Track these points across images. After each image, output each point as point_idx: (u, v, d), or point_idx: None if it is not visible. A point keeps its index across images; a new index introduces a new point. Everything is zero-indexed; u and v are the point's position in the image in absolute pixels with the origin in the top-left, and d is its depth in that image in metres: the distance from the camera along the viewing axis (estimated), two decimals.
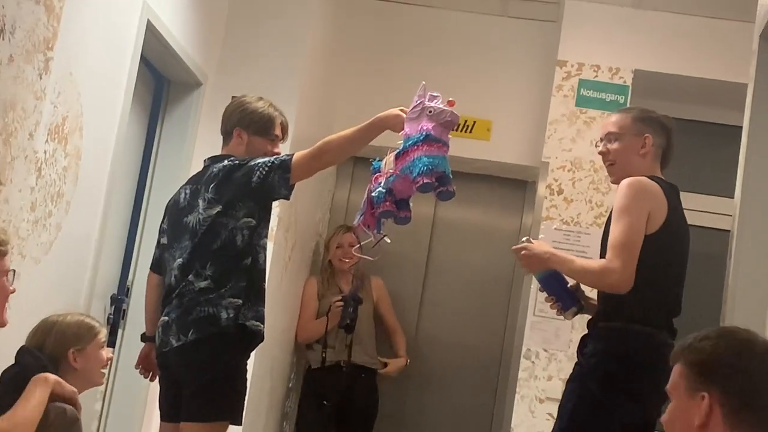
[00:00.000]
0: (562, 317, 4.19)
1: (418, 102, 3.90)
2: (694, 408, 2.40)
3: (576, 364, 4.07)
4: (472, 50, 6.67)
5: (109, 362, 3.85)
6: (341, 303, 6.00)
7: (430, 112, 3.86)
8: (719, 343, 2.42)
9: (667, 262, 3.96)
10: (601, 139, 4.17)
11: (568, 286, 4.10)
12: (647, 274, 3.84)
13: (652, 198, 3.91)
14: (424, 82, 3.95)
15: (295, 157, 4.11)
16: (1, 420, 3.25)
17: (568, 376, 4.13)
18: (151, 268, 4.46)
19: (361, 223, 4.03)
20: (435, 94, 3.92)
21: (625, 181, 3.94)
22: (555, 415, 5.75)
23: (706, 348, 2.43)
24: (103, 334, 3.78)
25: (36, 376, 3.40)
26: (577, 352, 4.09)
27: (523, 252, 4.04)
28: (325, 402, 6.02)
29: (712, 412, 2.37)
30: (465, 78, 6.55)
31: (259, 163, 4.14)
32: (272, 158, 4.16)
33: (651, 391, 3.84)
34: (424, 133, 3.82)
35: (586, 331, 4.10)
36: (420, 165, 3.78)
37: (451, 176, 3.87)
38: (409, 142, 3.85)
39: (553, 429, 4.06)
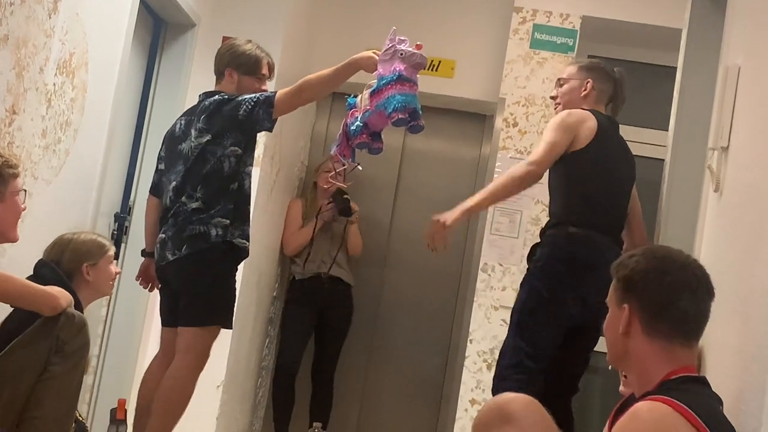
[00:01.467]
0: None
1: (390, 45, 3.90)
2: (619, 317, 2.44)
3: (527, 270, 4.11)
4: None
5: (117, 276, 3.88)
6: (330, 202, 6.06)
7: (402, 54, 3.87)
8: (640, 260, 2.46)
9: (597, 174, 4.05)
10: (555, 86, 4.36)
11: None
12: (581, 183, 4.02)
13: (578, 122, 4.06)
14: (394, 27, 3.94)
15: (278, 94, 4.12)
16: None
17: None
18: (150, 191, 4.47)
19: (337, 153, 4.05)
20: (403, 38, 3.91)
21: (559, 113, 4.16)
22: (508, 321, 5.84)
23: (630, 264, 2.47)
24: (113, 250, 3.85)
25: (62, 292, 3.37)
26: (527, 259, 4.14)
27: (440, 222, 4.01)
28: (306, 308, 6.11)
29: (631, 321, 2.41)
30: (432, 22, 6.51)
31: (246, 98, 4.15)
32: (258, 94, 4.18)
33: (592, 288, 3.86)
34: (396, 73, 3.83)
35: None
36: (394, 102, 3.79)
37: (420, 112, 3.88)
38: (383, 81, 3.85)
39: (508, 330, 4.11)
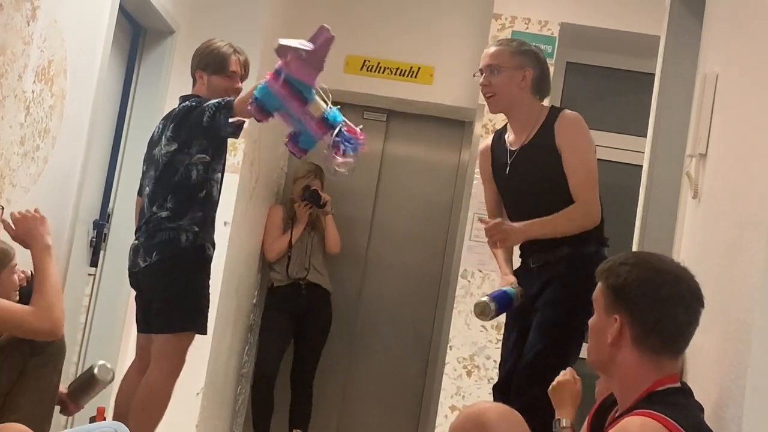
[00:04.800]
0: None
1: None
2: (608, 326, 2.41)
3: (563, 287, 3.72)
4: (420, 4, 6.63)
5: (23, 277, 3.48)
6: (304, 202, 6.12)
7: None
8: (633, 271, 2.41)
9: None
10: (482, 71, 3.92)
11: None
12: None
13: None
14: (324, 25, 3.59)
15: (237, 99, 4.10)
16: (36, 303, 3.22)
17: None
18: (138, 193, 4.48)
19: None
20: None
21: (572, 118, 3.80)
22: (488, 328, 5.84)
23: (622, 273, 2.42)
24: (16, 259, 3.38)
25: (37, 243, 3.35)
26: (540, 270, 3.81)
27: (502, 228, 3.69)
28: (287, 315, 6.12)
29: (622, 333, 2.38)
30: (411, 28, 6.52)
31: (209, 104, 4.13)
32: (220, 100, 4.14)
33: None
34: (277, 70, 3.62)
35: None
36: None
37: (270, 108, 3.67)
38: None
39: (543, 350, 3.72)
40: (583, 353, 2.66)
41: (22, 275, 3.44)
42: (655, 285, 2.38)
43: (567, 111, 3.85)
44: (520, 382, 3.67)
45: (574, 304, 3.57)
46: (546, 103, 4.03)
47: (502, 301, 3.83)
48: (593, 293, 2.52)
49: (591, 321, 2.50)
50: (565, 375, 3.08)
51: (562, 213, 3.70)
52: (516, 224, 3.73)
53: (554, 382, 3.09)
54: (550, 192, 3.76)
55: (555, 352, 3.64)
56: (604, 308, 2.44)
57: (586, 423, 2.80)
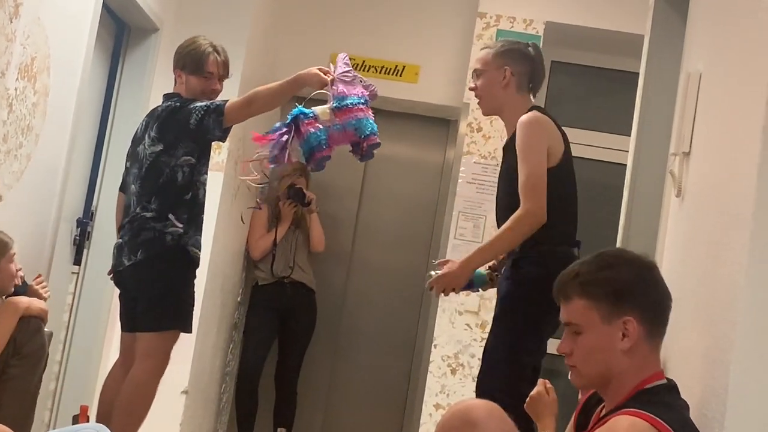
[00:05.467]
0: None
1: (349, 69, 4.03)
2: (615, 334, 2.35)
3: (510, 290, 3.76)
4: (406, 3, 6.62)
5: (18, 273, 3.61)
6: (289, 201, 6.10)
7: (362, 82, 4.04)
8: (623, 270, 2.39)
9: (572, 189, 3.84)
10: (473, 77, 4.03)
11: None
12: (558, 203, 3.68)
13: (548, 133, 3.76)
14: (346, 54, 4.08)
15: (228, 104, 4.10)
16: None
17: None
18: (120, 189, 4.46)
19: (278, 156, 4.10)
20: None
21: (523, 121, 3.75)
22: (472, 326, 5.84)
23: (609, 276, 2.39)
24: (14, 248, 3.55)
25: (8, 300, 3.37)
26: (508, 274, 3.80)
27: (439, 281, 3.76)
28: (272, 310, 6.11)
29: (638, 332, 2.37)
30: (397, 27, 6.53)
31: (197, 106, 4.12)
32: (209, 102, 4.14)
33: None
34: (365, 98, 3.98)
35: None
36: (370, 126, 3.95)
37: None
38: (349, 101, 3.94)
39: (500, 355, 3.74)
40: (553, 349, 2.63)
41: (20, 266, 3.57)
42: (649, 274, 2.41)
43: (528, 113, 3.81)
44: (479, 375, 3.77)
45: (520, 298, 3.67)
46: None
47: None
48: (562, 314, 2.46)
49: (583, 341, 2.41)
50: (537, 387, 3.08)
51: (501, 230, 3.71)
52: (454, 266, 3.75)
53: (528, 398, 3.08)
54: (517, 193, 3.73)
55: (504, 346, 3.68)
56: (601, 320, 2.37)
57: (572, 420, 2.79)
